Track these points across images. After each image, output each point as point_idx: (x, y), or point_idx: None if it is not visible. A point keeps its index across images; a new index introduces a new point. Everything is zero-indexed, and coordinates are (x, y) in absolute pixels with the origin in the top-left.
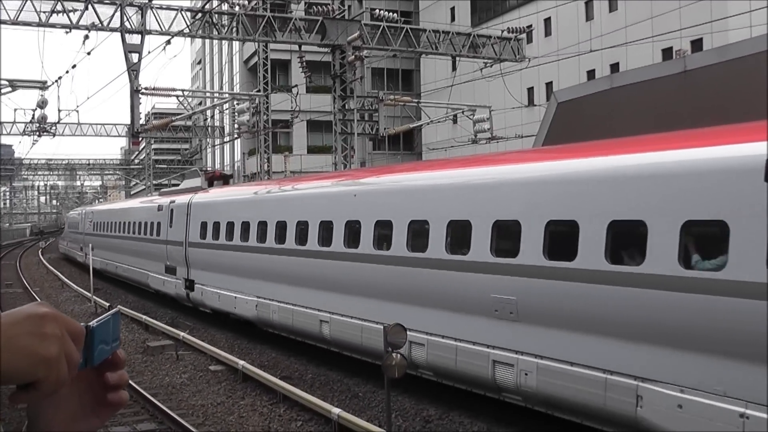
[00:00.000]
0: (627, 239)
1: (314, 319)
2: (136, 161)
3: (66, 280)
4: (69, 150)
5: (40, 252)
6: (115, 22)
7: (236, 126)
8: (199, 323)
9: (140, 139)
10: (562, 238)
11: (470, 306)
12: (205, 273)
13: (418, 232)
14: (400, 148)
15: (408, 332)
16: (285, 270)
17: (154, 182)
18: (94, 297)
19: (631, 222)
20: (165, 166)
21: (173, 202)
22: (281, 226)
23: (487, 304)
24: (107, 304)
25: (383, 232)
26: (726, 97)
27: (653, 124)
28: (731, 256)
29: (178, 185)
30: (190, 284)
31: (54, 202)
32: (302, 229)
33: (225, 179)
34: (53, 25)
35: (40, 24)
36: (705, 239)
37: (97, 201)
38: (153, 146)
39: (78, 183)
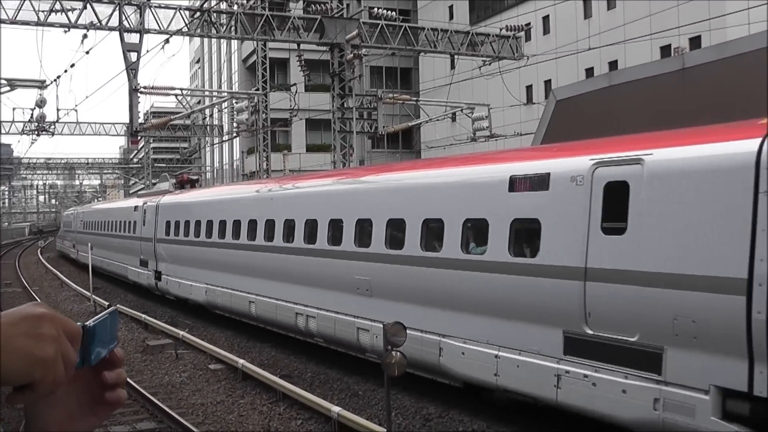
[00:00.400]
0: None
1: (245, 301)
2: (135, 160)
3: (65, 279)
4: (68, 149)
5: (39, 251)
6: (114, 21)
7: (235, 125)
8: (199, 322)
9: (139, 138)
10: (399, 232)
11: (343, 285)
12: (170, 265)
13: (311, 229)
14: (399, 146)
15: (302, 306)
16: (224, 261)
17: (153, 181)
18: (94, 296)
19: (431, 218)
20: (164, 165)
21: (146, 203)
22: (222, 225)
23: (352, 284)
24: (107, 303)
25: (289, 228)
26: (724, 95)
27: (651, 122)
28: (490, 244)
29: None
30: (158, 275)
31: (53, 201)
32: (236, 226)
33: (192, 183)
34: (52, 25)
35: (38, 23)
36: (478, 232)
37: (96, 200)
38: (152, 145)
39: (77, 182)
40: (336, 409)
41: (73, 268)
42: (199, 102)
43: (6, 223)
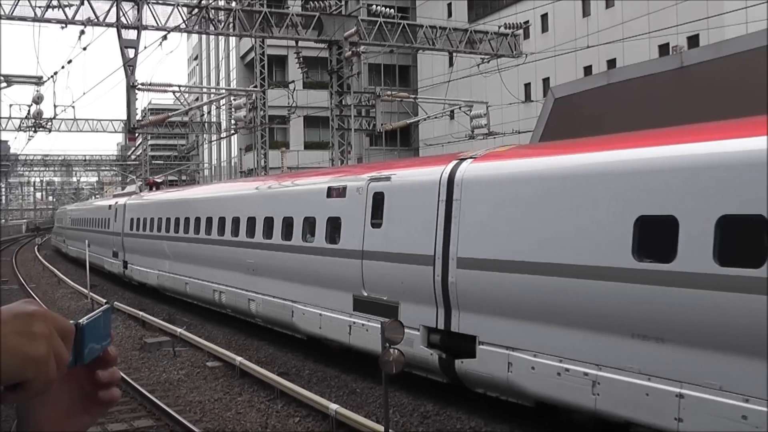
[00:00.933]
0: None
1: (182, 283)
2: (133, 157)
3: (62, 276)
4: (65, 146)
5: (36, 249)
6: (111, 18)
7: (233, 122)
8: (196, 320)
9: (137, 135)
10: (271, 227)
11: (240, 267)
12: (133, 256)
13: (222, 224)
14: (397, 143)
15: (217, 284)
16: (169, 251)
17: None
18: (91, 294)
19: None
20: (161, 162)
21: (117, 202)
22: (167, 222)
23: (245, 266)
24: (104, 301)
25: (209, 224)
26: (723, 93)
27: (650, 120)
28: (316, 235)
29: (175, 181)
30: (125, 264)
31: (50, 198)
32: (176, 223)
33: (157, 186)
34: (48, 20)
35: (35, 19)
36: (311, 226)
37: (93, 197)
38: (149, 142)
39: (74, 179)
40: (334, 406)
41: (70, 265)
42: (196, 99)
43: (3, 220)
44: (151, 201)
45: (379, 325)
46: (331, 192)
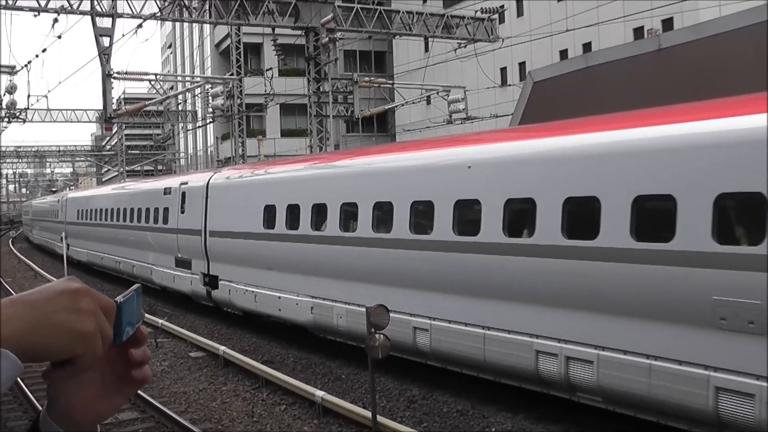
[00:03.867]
0: None
1: (112, 261)
2: (108, 147)
3: (39, 269)
4: (38, 137)
5: (10, 242)
6: (86, 5)
7: (210, 110)
8: (178, 310)
9: (113, 124)
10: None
11: (168, 251)
12: (75, 240)
13: (130, 212)
14: (374, 130)
15: (130, 260)
16: (95, 235)
17: (127, 168)
18: None
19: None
20: (137, 151)
21: (59, 199)
22: (106, 211)
23: (173, 250)
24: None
25: (119, 213)
26: (700, 74)
27: (629, 102)
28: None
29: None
30: (68, 246)
31: (23, 190)
32: (101, 213)
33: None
34: (21, 8)
35: (7, 7)
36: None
37: (68, 188)
38: (125, 132)
39: (48, 170)
40: (320, 393)
41: (47, 258)
42: (172, 87)
43: None
44: (83, 196)
45: (186, 275)
46: (165, 191)
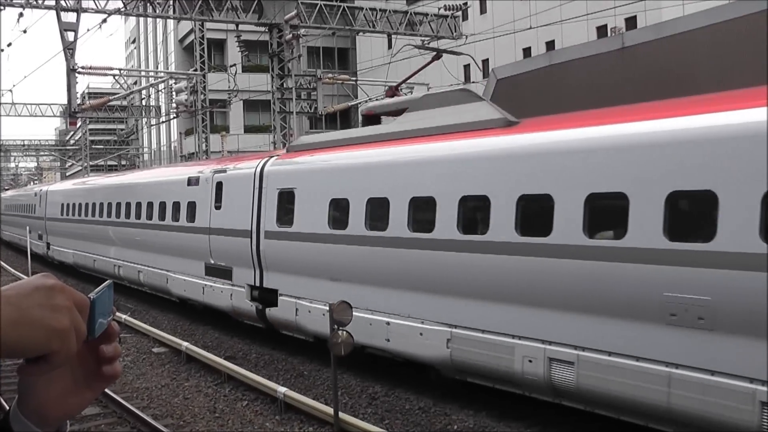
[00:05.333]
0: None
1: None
2: (72, 142)
3: (4, 264)
4: (3, 131)
5: None
6: (51, 0)
7: (174, 105)
8: (141, 306)
9: (77, 119)
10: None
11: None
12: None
13: (101, 207)
14: (337, 126)
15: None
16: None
17: (91, 163)
18: None
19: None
20: (101, 146)
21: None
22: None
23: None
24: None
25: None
26: (664, 73)
27: (592, 101)
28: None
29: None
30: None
31: None
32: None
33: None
34: None
35: None
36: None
37: (32, 183)
38: (89, 126)
39: (12, 165)
40: (282, 389)
41: (11, 253)
42: (136, 83)
43: None
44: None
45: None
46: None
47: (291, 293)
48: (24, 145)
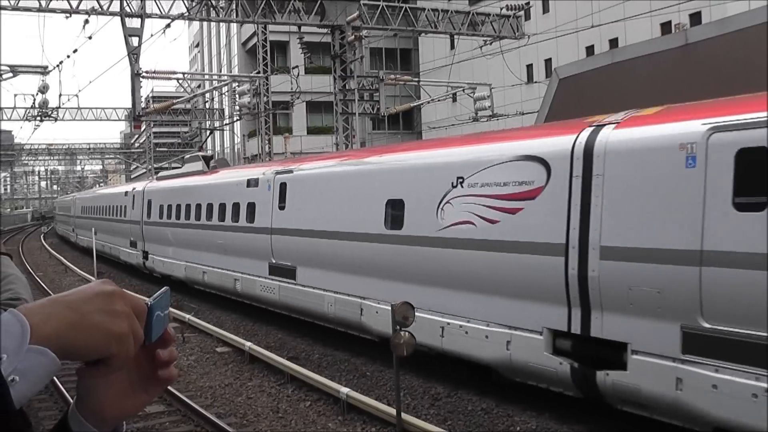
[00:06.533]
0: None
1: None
2: (136, 145)
3: (69, 264)
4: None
5: (42, 237)
6: (115, 6)
7: (237, 108)
8: (205, 305)
9: (141, 122)
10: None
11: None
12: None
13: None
14: (400, 127)
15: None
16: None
17: (155, 165)
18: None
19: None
20: (165, 149)
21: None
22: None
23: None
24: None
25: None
26: (727, 69)
27: (655, 98)
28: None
29: (179, 167)
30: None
31: (55, 187)
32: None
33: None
34: (53, 10)
35: (40, 9)
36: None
37: (97, 185)
38: (153, 130)
39: (78, 167)
40: (345, 389)
41: (77, 253)
42: (199, 86)
43: (8, 209)
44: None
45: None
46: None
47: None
48: (89, 149)
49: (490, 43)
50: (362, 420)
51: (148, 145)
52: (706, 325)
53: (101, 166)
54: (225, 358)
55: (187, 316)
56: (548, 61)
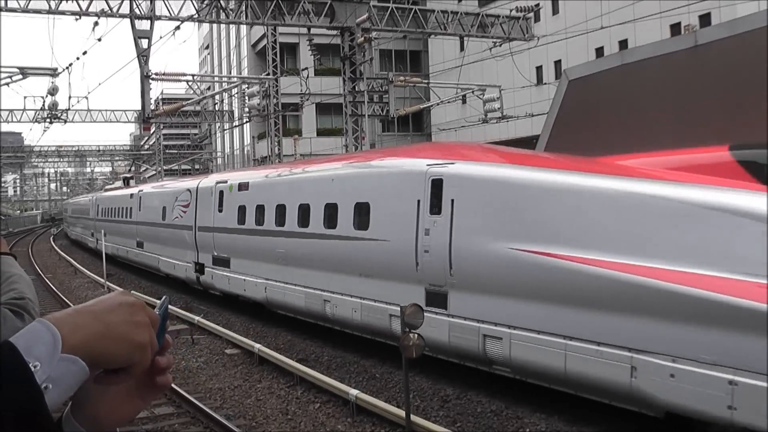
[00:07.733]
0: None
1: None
2: (146, 147)
3: (78, 266)
4: (79, 137)
5: (51, 239)
6: (125, 9)
7: (247, 110)
8: (213, 308)
9: (151, 124)
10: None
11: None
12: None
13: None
14: (409, 129)
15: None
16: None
17: (165, 167)
18: (108, 283)
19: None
20: (175, 151)
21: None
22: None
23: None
24: (121, 290)
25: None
26: (737, 71)
27: (664, 99)
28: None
29: (188, 170)
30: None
31: (64, 189)
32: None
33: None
34: (63, 13)
35: (49, 11)
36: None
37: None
38: (162, 131)
39: (88, 169)
40: (354, 391)
41: (86, 255)
42: (209, 88)
43: (18, 211)
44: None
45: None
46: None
47: None
48: (99, 151)
49: (500, 45)
50: (371, 422)
51: (158, 147)
52: None
53: (111, 168)
54: (234, 360)
55: (197, 318)
56: (558, 63)
